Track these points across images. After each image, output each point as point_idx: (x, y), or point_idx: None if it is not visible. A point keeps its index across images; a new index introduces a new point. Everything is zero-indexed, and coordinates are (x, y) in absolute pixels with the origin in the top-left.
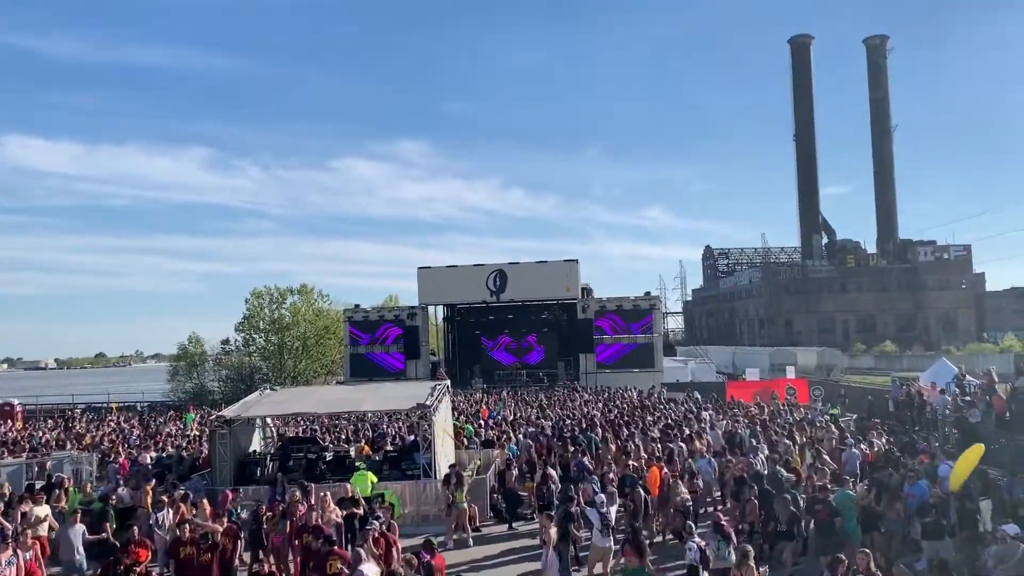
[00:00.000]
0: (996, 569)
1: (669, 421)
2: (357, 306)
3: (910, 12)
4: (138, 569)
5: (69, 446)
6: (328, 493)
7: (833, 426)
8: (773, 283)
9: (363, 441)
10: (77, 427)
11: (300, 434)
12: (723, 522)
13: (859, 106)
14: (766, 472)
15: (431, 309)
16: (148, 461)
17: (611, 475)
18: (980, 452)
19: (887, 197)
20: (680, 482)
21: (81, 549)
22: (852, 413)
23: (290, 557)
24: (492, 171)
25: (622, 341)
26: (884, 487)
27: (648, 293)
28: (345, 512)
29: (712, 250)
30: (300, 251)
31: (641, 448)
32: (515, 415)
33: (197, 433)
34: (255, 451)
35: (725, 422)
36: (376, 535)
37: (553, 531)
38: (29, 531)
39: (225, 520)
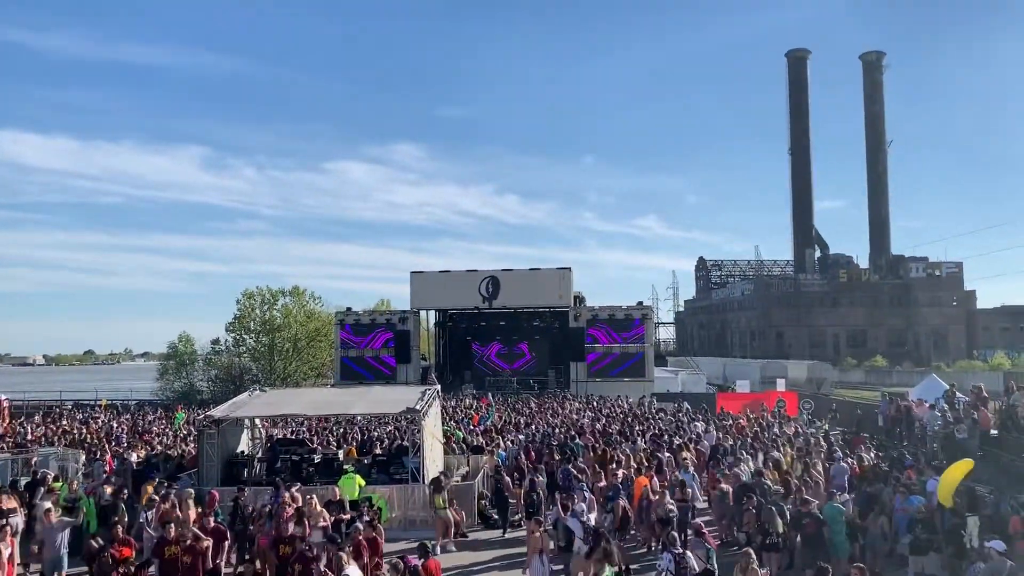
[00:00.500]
0: None
1: (657, 431)
2: (349, 309)
3: (907, 29)
4: (122, 569)
5: (56, 443)
6: (315, 496)
7: (822, 439)
8: (765, 296)
9: (352, 444)
10: (64, 424)
11: (288, 436)
12: (704, 530)
13: (854, 121)
14: (749, 482)
15: (423, 314)
16: (135, 460)
17: (601, 484)
18: (969, 467)
19: (880, 212)
20: (667, 492)
21: (65, 545)
22: (842, 427)
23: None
24: (487, 177)
25: (613, 350)
26: (876, 501)
27: (640, 303)
28: (333, 516)
29: (705, 261)
30: (293, 253)
31: (631, 458)
32: (504, 421)
33: (185, 433)
34: (243, 452)
35: (713, 433)
36: (360, 538)
37: (539, 537)
38: (8, 527)
39: (212, 520)
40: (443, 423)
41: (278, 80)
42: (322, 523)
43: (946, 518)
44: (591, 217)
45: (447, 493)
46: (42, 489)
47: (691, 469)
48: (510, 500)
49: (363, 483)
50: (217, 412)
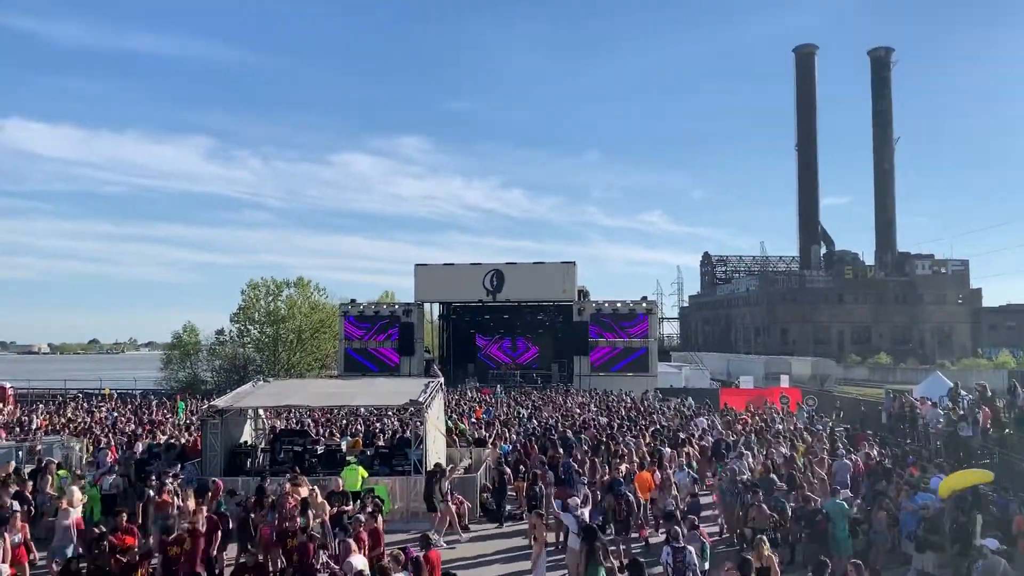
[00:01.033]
0: None
1: (659, 427)
2: (353, 301)
3: (916, 25)
4: (124, 558)
5: (61, 431)
6: (316, 488)
7: (824, 436)
8: (770, 292)
9: (359, 436)
10: (69, 412)
11: (291, 427)
12: (698, 525)
13: (862, 117)
14: (745, 478)
15: (427, 307)
16: (139, 449)
17: (606, 477)
18: (986, 479)
19: (887, 209)
20: (671, 487)
21: (73, 534)
22: (845, 424)
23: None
24: (492, 171)
25: (617, 345)
26: (883, 497)
27: (645, 298)
28: (335, 507)
29: (710, 257)
30: (297, 244)
31: (633, 452)
32: (507, 415)
33: (188, 422)
34: (246, 442)
35: (718, 429)
36: (362, 529)
37: (543, 531)
38: (19, 514)
39: (205, 509)
40: (446, 416)
41: (284, 72)
42: (323, 515)
43: (952, 516)
44: (596, 212)
45: (447, 484)
46: (49, 478)
47: (686, 468)
48: (510, 492)
49: (366, 474)
50: (221, 402)
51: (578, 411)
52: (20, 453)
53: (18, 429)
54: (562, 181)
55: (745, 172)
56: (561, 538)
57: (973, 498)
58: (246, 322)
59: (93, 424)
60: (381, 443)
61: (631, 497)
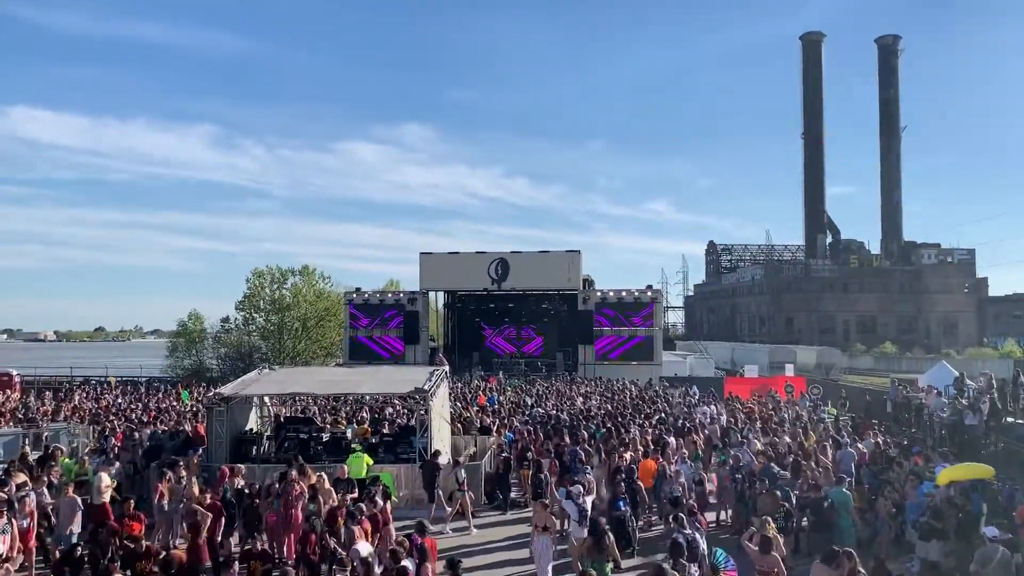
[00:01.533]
0: (980, 571)
1: (663, 415)
2: (358, 289)
3: (924, 13)
4: (130, 545)
5: (68, 419)
6: (323, 474)
7: (829, 425)
8: (775, 281)
9: (365, 423)
10: (76, 399)
11: (297, 414)
12: (697, 511)
13: (868, 106)
14: (743, 464)
15: (432, 295)
16: (146, 435)
17: (613, 465)
18: (987, 474)
19: (893, 198)
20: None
21: (78, 521)
22: (851, 413)
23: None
24: (496, 159)
25: (622, 334)
26: (887, 485)
27: (650, 287)
28: (340, 494)
29: (715, 246)
30: (302, 232)
31: (637, 441)
32: (513, 403)
33: (194, 408)
34: (251, 430)
35: (723, 417)
36: (367, 516)
37: (547, 518)
38: (27, 499)
39: (208, 496)
40: (451, 404)
41: (288, 60)
42: (331, 501)
43: (957, 505)
44: (601, 200)
45: (463, 473)
46: (55, 465)
47: (687, 460)
48: (513, 480)
49: (371, 462)
50: (226, 390)
51: (581, 400)
52: (27, 440)
53: (24, 417)
54: (567, 170)
55: (751, 161)
56: (563, 526)
57: (980, 488)
58: (251, 310)
59: (99, 411)
60: (385, 431)
61: (640, 485)
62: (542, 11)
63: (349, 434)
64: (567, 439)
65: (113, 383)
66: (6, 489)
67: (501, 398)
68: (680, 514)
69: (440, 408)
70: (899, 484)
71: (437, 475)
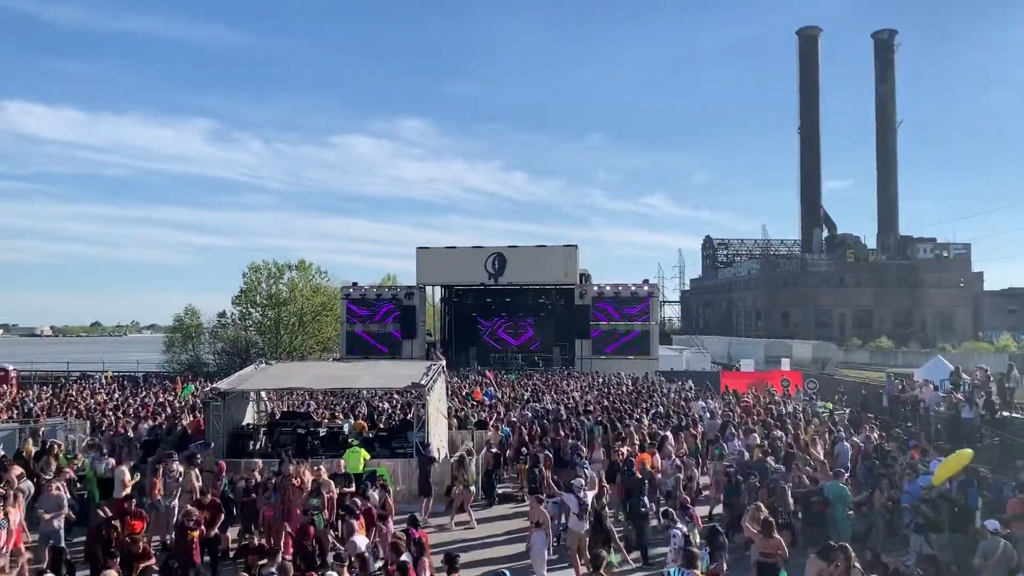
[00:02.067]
0: (983, 564)
1: (660, 410)
2: (355, 284)
3: (920, 8)
4: (138, 543)
5: (65, 414)
6: (322, 467)
7: (825, 419)
8: (771, 275)
9: (360, 418)
10: (72, 394)
11: (294, 409)
12: (690, 505)
13: (864, 100)
14: (750, 461)
15: (429, 289)
16: (144, 430)
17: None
18: (969, 456)
19: (889, 193)
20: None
21: (62, 519)
22: (847, 407)
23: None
24: (494, 153)
25: (618, 328)
26: (883, 479)
27: (646, 281)
28: (338, 489)
29: (712, 240)
30: (299, 227)
31: (634, 435)
32: (511, 397)
33: (192, 403)
34: (248, 424)
35: (719, 412)
36: (362, 510)
37: (542, 513)
38: (20, 494)
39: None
40: (447, 399)
41: (285, 54)
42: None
43: (953, 498)
44: (598, 195)
45: (472, 467)
46: (52, 460)
47: (674, 456)
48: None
49: (368, 456)
50: (223, 384)
51: (577, 395)
52: (23, 435)
53: (20, 412)
54: (564, 164)
55: (747, 155)
56: (563, 519)
57: (976, 481)
58: (248, 305)
59: (95, 406)
60: (381, 426)
61: (640, 477)
62: (540, 5)
63: (346, 429)
64: (563, 433)
65: (110, 378)
66: (1, 484)
67: (499, 392)
68: (670, 509)
69: (437, 403)
70: (895, 478)
71: (430, 470)
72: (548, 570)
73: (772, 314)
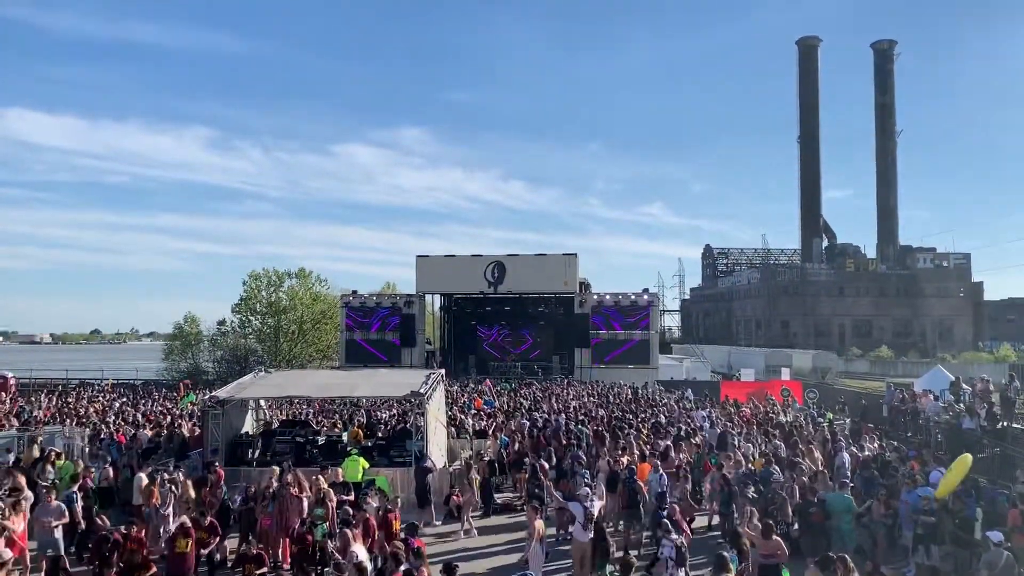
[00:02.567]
0: (988, 575)
1: (660, 419)
2: (354, 292)
3: (919, 18)
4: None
5: (64, 422)
6: (320, 476)
7: (827, 429)
8: (771, 285)
9: (356, 426)
10: (71, 402)
11: (293, 418)
12: (679, 517)
13: (864, 110)
14: (749, 471)
15: (428, 298)
16: (144, 439)
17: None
18: (968, 463)
19: (889, 202)
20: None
21: (60, 530)
22: (847, 417)
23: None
24: (493, 162)
25: (618, 337)
26: (882, 489)
27: (646, 290)
28: (336, 498)
29: (712, 249)
30: (298, 235)
31: (634, 445)
32: (511, 406)
33: (190, 412)
34: (247, 433)
35: (719, 421)
36: (361, 520)
37: (539, 523)
38: (24, 502)
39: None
40: (447, 408)
41: (285, 62)
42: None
43: (953, 509)
44: (597, 204)
45: (476, 475)
46: (50, 468)
47: (661, 470)
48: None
49: (367, 465)
50: (222, 392)
51: (574, 404)
52: (22, 443)
53: (19, 419)
54: (563, 173)
55: (747, 165)
56: (569, 529)
57: (976, 492)
58: (248, 313)
59: (94, 414)
60: (380, 435)
61: (642, 486)
62: (539, 14)
63: (344, 437)
64: (562, 442)
65: (109, 386)
66: (4, 491)
67: (498, 402)
68: (664, 520)
69: (436, 411)
70: (895, 488)
71: (428, 479)
72: None
73: (772, 323)
